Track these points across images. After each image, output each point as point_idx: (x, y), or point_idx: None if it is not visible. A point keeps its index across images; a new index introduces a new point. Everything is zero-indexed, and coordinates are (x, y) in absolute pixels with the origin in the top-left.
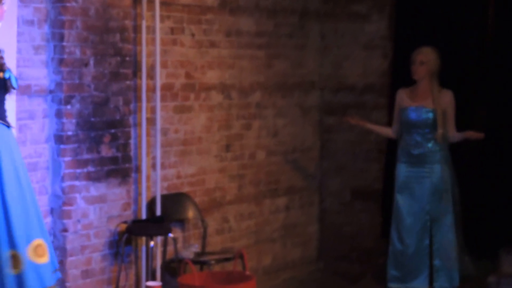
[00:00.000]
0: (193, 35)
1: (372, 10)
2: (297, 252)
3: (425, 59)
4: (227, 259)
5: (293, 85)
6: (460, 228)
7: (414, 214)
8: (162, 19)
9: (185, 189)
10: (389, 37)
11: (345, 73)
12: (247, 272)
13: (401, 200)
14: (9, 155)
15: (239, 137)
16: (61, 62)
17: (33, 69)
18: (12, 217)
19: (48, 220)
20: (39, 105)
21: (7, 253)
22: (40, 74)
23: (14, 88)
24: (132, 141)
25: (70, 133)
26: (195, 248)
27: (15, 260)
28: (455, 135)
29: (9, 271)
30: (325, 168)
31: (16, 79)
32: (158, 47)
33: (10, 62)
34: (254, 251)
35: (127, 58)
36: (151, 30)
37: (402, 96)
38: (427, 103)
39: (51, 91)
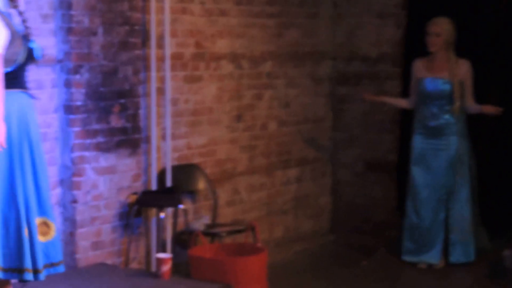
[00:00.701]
0: (202, 3)
1: None
2: (309, 224)
3: (441, 30)
4: (238, 231)
5: (305, 54)
6: (476, 202)
7: (430, 187)
8: None
9: (196, 160)
10: (403, 5)
11: (358, 43)
12: (259, 244)
13: (417, 173)
14: (27, 124)
15: (250, 107)
16: (69, 31)
17: (41, 38)
18: (41, 185)
19: (58, 191)
20: (48, 75)
21: (37, 221)
22: (48, 43)
23: (37, 59)
24: (141, 111)
25: (79, 103)
26: (206, 219)
27: (46, 227)
28: (473, 106)
29: (38, 239)
30: (337, 139)
31: (41, 50)
32: (168, 15)
33: None
34: (266, 223)
35: (136, 27)
36: None
37: (419, 67)
38: (444, 75)
39: (59, 61)
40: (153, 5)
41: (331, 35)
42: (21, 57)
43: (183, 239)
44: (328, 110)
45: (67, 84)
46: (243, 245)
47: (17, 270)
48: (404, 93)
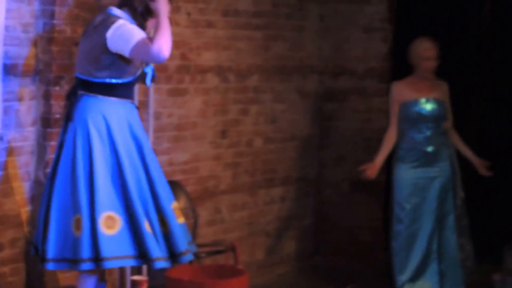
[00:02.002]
0: (189, 14)
1: None
2: (292, 245)
3: (436, 54)
4: (218, 252)
5: (292, 68)
6: (466, 227)
7: (424, 218)
8: None
9: (177, 177)
10: (390, 19)
11: (344, 57)
12: (240, 266)
13: (411, 207)
14: (139, 128)
15: (235, 122)
16: (50, 41)
17: (21, 48)
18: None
19: (28, 209)
20: (26, 86)
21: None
22: (28, 53)
23: (146, 84)
24: None
25: (58, 116)
26: None
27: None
28: (454, 133)
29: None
30: (324, 158)
31: (153, 77)
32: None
33: None
34: (247, 244)
35: None
36: None
37: (402, 90)
38: (436, 95)
39: (38, 71)
40: None
41: (318, 49)
42: (139, 72)
43: None
44: (315, 127)
45: (46, 96)
46: (224, 266)
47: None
48: None
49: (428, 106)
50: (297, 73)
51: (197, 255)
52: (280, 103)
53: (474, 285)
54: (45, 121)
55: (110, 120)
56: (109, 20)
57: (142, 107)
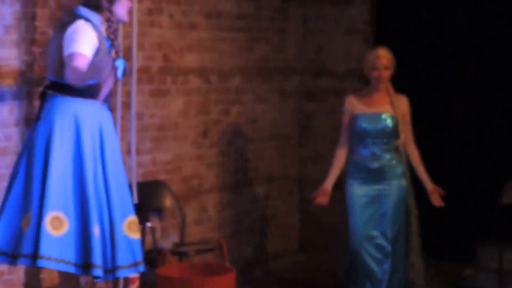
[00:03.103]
0: (171, 16)
1: None
2: (277, 243)
3: (389, 63)
4: (206, 250)
5: (274, 69)
6: (418, 247)
7: (373, 240)
8: None
9: (161, 176)
10: (371, 22)
11: (326, 58)
12: (227, 264)
13: (359, 224)
14: (109, 134)
15: (217, 123)
16: (32, 42)
17: (3, 49)
18: (110, 193)
19: None
20: (9, 87)
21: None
22: (10, 55)
23: (118, 78)
24: None
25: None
26: (174, 238)
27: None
28: (414, 151)
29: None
30: (304, 156)
31: (124, 70)
32: (135, 28)
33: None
34: (234, 242)
35: None
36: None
37: (353, 102)
38: (386, 109)
39: (21, 73)
40: None
41: (300, 50)
42: (106, 71)
43: (150, 258)
44: (295, 126)
45: (29, 97)
46: (211, 264)
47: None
48: None
49: (376, 121)
50: (279, 74)
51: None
52: (261, 103)
53: (447, 281)
54: (28, 122)
55: (81, 121)
56: (71, 21)
57: (124, 107)
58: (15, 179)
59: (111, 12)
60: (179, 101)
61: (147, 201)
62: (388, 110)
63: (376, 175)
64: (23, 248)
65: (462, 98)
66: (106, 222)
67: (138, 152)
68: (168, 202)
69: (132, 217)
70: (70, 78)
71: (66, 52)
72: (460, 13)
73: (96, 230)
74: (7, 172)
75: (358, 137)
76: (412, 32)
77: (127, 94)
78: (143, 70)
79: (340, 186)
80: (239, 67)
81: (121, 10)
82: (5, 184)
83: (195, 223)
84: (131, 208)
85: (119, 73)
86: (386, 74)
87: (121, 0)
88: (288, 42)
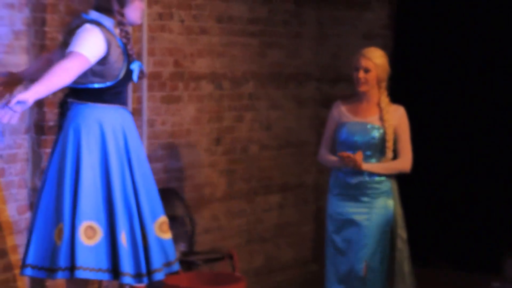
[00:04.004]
0: (182, 21)
1: None
2: (290, 253)
3: (372, 65)
4: (216, 260)
5: (288, 75)
6: (407, 274)
7: (350, 262)
8: (150, 4)
9: (173, 184)
10: (389, 26)
11: (342, 64)
12: (237, 274)
13: (338, 242)
14: (133, 137)
15: (230, 129)
16: (42, 48)
17: (13, 56)
18: (140, 195)
19: (28, 215)
20: (19, 93)
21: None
22: (20, 61)
23: (134, 80)
24: None
25: (51, 123)
26: (182, 247)
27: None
28: (399, 160)
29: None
30: (321, 164)
31: (141, 72)
32: (145, 33)
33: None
34: (245, 251)
35: None
36: None
37: (340, 109)
38: (373, 119)
39: (31, 79)
40: None
41: (315, 56)
42: (122, 74)
43: None
44: (312, 133)
45: (39, 104)
46: (221, 274)
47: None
48: None
49: (360, 132)
50: (294, 80)
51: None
52: (276, 110)
53: None
54: (39, 129)
55: (105, 128)
56: (79, 25)
57: (136, 114)
58: (43, 192)
59: (122, 15)
60: (191, 107)
61: None
62: (376, 120)
63: (356, 192)
64: (60, 261)
65: (484, 103)
66: (137, 226)
67: (150, 160)
68: (178, 210)
69: (163, 218)
70: (55, 74)
71: (67, 50)
72: (481, 17)
73: (123, 237)
74: (16, 178)
75: (340, 147)
76: (432, 36)
77: (138, 100)
78: (154, 76)
79: None
80: (252, 72)
81: (133, 13)
82: (15, 191)
83: (206, 232)
84: (160, 208)
85: (135, 76)
86: (369, 77)
87: (133, 3)
88: (303, 47)
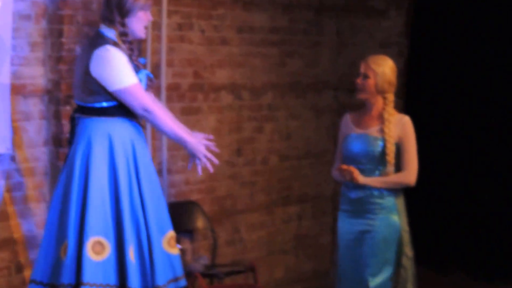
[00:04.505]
0: (202, 31)
1: (390, 5)
2: (310, 264)
3: (371, 72)
4: (237, 272)
5: (307, 85)
6: None
7: (355, 281)
8: (169, 14)
9: (194, 196)
10: (406, 34)
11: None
12: (259, 285)
13: (342, 262)
14: (142, 150)
15: (250, 140)
16: (59, 60)
17: (29, 68)
18: (147, 210)
19: None
20: (36, 106)
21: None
22: (36, 73)
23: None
24: None
25: (69, 135)
26: (205, 260)
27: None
28: (402, 172)
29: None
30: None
31: (149, 80)
32: (164, 44)
33: (4, 60)
34: (266, 263)
35: None
36: (157, 26)
37: (347, 121)
38: (374, 130)
39: (48, 91)
40: (149, 32)
41: (333, 64)
42: None
43: None
44: (330, 143)
45: (56, 116)
46: (243, 286)
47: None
48: None
49: (362, 144)
50: (312, 90)
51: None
52: (295, 120)
53: None
54: (57, 141)
55: (114, 140)
56: (96, 42)
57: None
58: (50, 208)
59: (123, 25)
60: (211, 118)
61: (179, 223)
62: (377, 132)
63: (359, 207)
64: (63, 277)
65: (501, 111)
66: (144, 241)
67: (170, 172)
68: (200, 223)
69: (171, 233)
70: (138, 111)
71: (114, 88)
72: (497, 26)
73: (130, 252)
74: (34, 193)
75: (345, 161)
76: (448, 44)
77: None
78: (173, 88)
79: None
80: (271, 82)
81: (136, 24)
82: (34, 205)
83: (227, 244)
84: (169, 223)
85: (144, 85)
86: (367, 84)
87: (136, 14)
88: (322, 56)
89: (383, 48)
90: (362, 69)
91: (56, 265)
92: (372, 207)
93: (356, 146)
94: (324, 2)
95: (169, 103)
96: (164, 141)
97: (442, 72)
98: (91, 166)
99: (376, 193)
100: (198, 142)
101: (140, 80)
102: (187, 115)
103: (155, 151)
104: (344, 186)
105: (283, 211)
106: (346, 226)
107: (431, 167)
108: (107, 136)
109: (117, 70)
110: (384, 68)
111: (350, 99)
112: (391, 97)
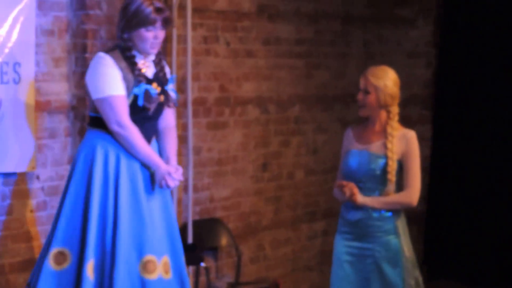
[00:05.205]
0: (228, 43)
1: (418, 15)
2: None
3: (370, 88)
4: None
5: (334, 97)
6: None
7: None
8: (194, 27)
9: (219, 213)
10: (434, 43)
11: None
12: None
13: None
14: (131, 167)
15: (276, 155)
16: (83, 75)
17: (53, 83)
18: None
19: None
20: (61, 123)
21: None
22: (60, 89)
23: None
24: None
25: None
26: (229, 278)
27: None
28: (403, 192)
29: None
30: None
31: (148, 96)
32: (190, 57)
33: (28, 75)
34: (291, 280)
35: None
36: (182, 39)
37: (349, 136)
38: (376, 146)
39: (73, 107)
40: (174, 46)
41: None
42: (129, 100)
43: None
44: None
45: (82, 133)
46: None
47: None
48: (435, 139)
49: (361, 161)
50: (340, 102)
51: None
52: (322, 133)
53: None
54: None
55: (98, 152)
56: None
57: (181, 141)
58: None
59: (123, 39)
60: (237, 133)
61: (203, 240)
62: (378, 148)
63: (358, 230)
64: (30, 277)
65: None
66: (108, 258)
67: (196, 189)
68: (224, 240)
69: (149, 257)
70: (111, 125)
71: (94, 96)
72: None
73: (89, 267)
74: None
75: (345, 178)
76: (478, 53)
77: (183, 127)
78: (199, 102)
79: None
80: (298, 95)
81: (138, 41)
82: None
83: (251, 261)
84: (151, 247)
85: (140, 100)
86: (368, 100)
87: (137, 30)
88: (349, 68)
89: (411, 58)
90: (362, 84)
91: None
92: (371, 230)
93: (355, 163)
94: (351, 13)
95: (196, 117)
96: (190, 157)
97: (472, 82)
98: (73, 175)
99: (375, 215)
100: (168, 172)
101: (133, 94)
102: (213, 129)
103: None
104: (343, 206)
105: (309, 227)
106: (343, 249)
107: (464, 178)
108: (92, 147)
109: (101, 78)
110: (385, 81)
111: None
112: (395, 110)
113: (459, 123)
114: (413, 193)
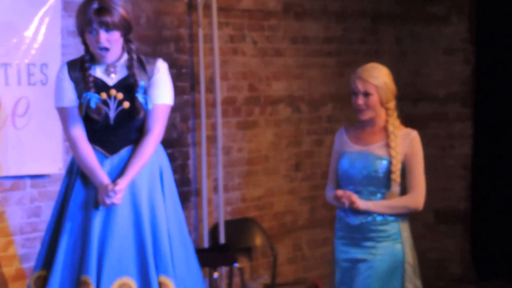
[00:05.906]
0: (255, 42)
1: (451, 11)
2: None
3: (371, 89)
4: None
5: None
6: None
7: None
8: (221, 26)
9: (251, 213)
10: (471, 40)
11: (424, 81)
12: None
13: None
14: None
15: (309, 154)
16: None
17: None
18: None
19: None
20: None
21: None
22: None
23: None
24: (191, 162)
25: None
26: (264, 279)
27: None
28: (408, 195)
29: None
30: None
31: (86, 107)
32: (217, 57)
33: (54, 77)
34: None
35: (183, 70)
36: (208, 38)
37: (342, 137)
38: (377, 147)
39: None
40: (201, 46)
41: (395, 73)
42: (83, 111)
43: None
44: None
45: None
46: None
47: None
48: (476, 136)
49: (361, 163)
50: None
51: None
52: None
53: None
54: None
55: (74, 167)
56: None
57: (210, 141)
58: None
59: (83, 43)
60: (268, 132)
61: (236, 240)
62: (380, 149)
63: (359, 235)
64: None
65: None
66: (74, 274)
67: (226, 189)
68: (258, 240)
69: (127, 279)
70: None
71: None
72: None
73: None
74: None
75: (340, 182)
76: None
77: (213, 127)
78: (228, 101)
79: (446, 219)
80: (330, 94)
81: (89, 47)
82: None
83: (288, 262)
84: (133, 269)
85: (82, 111)
86: (371, 102)
87: (85, 35)
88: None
89: (448, 55)
90: (360, 86)
91: None
92: (374, 235)
93: (354, 166)
94: (381, 10)
95: (225, 117)
96: (220, 157)
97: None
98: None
99: (379, 218)
100: (109, 190)
101: (82, 102)
102: (243, 129)
103: (210, 168)
104: (340, 209)
105: None
106: (344, 255)
107: (507, 175)
108: (73, 161)
109: (55, 90)
110: (383, 79)
111: (414, 109)
112: (392, 105)
113: (500, 120)
114: (419, 195)
